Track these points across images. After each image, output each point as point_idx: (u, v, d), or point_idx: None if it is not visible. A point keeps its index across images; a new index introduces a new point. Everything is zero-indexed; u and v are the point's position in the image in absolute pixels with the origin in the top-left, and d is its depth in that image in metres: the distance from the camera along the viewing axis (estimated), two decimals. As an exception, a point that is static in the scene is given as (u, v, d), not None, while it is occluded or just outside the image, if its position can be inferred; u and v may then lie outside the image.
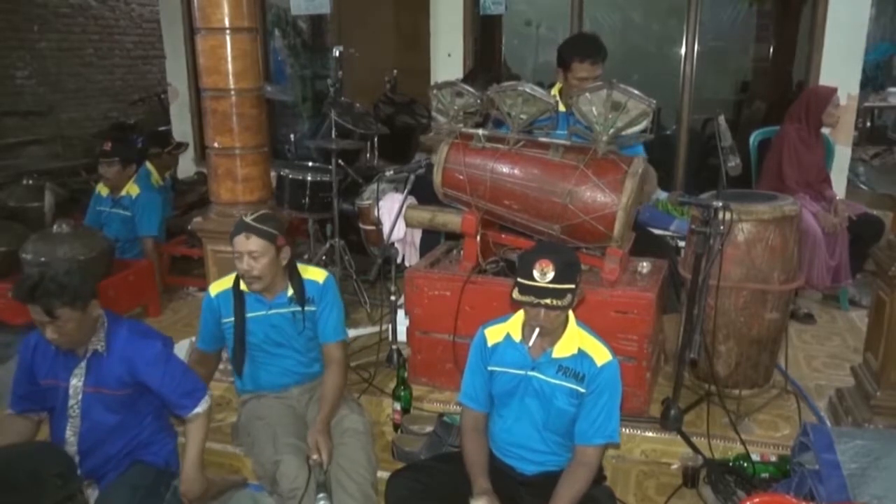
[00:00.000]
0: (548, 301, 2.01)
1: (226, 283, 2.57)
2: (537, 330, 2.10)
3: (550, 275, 2.00)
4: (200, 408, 2.35)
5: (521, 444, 2.22)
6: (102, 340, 2.28)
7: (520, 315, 2.22)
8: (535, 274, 2.01)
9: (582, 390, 2.14)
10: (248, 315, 2.54)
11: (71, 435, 2.29)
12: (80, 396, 2.28)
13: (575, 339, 2.17)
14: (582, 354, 2.15)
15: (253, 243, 2.40)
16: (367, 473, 2.37)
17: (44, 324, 2.14)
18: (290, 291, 2.55)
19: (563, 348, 2.16)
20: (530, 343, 2.14)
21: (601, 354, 2.15)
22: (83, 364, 2.28)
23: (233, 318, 2.54)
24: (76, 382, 2.28)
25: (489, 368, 2.23)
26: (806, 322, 3.87)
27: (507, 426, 2.23)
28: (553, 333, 2.15)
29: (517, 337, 2.20)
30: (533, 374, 2.17)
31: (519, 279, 2.05)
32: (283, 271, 2.52)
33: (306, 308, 2.55)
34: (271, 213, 2.52)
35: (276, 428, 2.44)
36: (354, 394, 2.93)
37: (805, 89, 4.35)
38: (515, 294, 2.06)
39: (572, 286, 2.04)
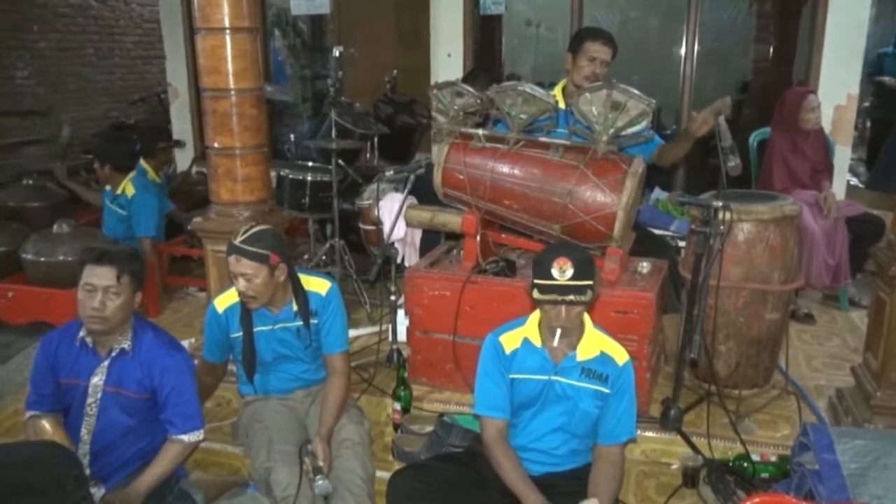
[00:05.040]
0: (571, 297, 2.01)
1: (231, 297, 2.53)
2: (559, 331, 2.10)
3: (570, 272, 2.01)
4: (187, 437, 2.31)
5: (533, 446, 2.21)
6: (129, 340, 2.29)
7: (534, 319, 2.21)
8: (555, 272, 2.01)
9: (606, 391, 2.14)
10: (256, 329, 2.53)
11: (85, 434, 2.29)
12: (99, 395, 2.28)
13: (595, 341, 2.18)
14: (604, 356, 2.16)
15: (244, 266, 2.35)
16: (364, 484, 2.36)
17: (98, 290, 2.16)
18: (296, 306, 2.52)
19: (585, 351, 2.16)
20: (554, 344, 2.13)
21: (620, 354, 2.17)
22: (106, 363, 2.28)
23: (241, 334, 2.53)
24: (97, 381, 2.28)
25: (510, 376, 2.20)
26: (806, 322, 3.87)
27: (521, 428, 2.23)
28: (573, 334, 2.15)
29: (537, 342, 2.19)
30: (556, 379, 2.16)
31: (537, 280, 2.05)
32: (284, 286, 2.48)
33: (311, 321, 2.53)
34: (264, 230, 2.42)
35: (272, 433, 2.44)
36: (354, 394, 2.92)
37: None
38: (536, 294, 2.05)
39: (591, 282, 2.05)
